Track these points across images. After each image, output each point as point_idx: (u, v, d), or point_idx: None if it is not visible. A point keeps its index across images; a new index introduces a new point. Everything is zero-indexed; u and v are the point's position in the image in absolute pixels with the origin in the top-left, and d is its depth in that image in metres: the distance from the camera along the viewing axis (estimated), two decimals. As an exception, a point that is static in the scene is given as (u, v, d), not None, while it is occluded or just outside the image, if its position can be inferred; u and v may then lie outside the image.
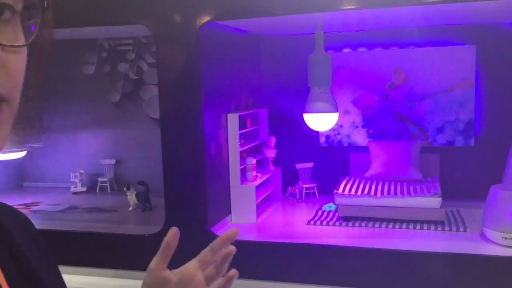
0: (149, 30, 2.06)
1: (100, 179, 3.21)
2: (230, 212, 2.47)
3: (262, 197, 2.59)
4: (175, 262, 2.05)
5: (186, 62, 2.05)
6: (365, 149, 2.85)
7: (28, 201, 2.99)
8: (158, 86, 2.11)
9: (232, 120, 2.41)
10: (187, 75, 2.05)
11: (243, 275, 2.05)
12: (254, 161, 2.53)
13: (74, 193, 3.15)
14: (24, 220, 0.75)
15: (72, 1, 2.14)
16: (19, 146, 2.90)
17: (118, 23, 2.20)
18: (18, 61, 0.51)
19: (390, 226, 2.30)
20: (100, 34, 2.99)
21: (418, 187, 2.51)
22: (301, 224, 2.43)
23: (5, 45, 0.47)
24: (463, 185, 2.66)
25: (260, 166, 2.78)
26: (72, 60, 3.17)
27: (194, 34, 1.99)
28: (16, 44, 0.50)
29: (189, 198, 2.10)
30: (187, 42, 2.02)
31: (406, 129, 2.81)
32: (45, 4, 0.52)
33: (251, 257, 1.96)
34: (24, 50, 0.52)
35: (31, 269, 0.66)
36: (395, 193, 2.43)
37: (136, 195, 2.72)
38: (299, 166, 2.89)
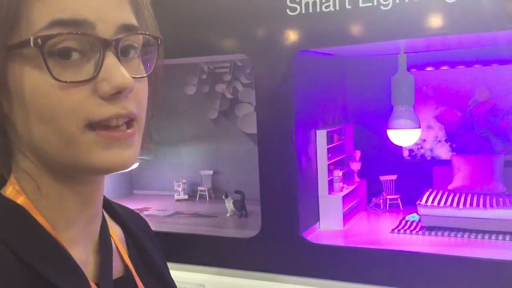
0: (249, 58, 2.37)
1: (199, 188, 3.57)
2: (318, 220, 2.70)
3: (348, 207, 2.80)
4: (271, 262, 2.37)
5: (280, 85, 2.33)
6: (448, 162, 2.96)
7: (139, 206, 3.40)
8: (256, 105, 2.40)
9: (321, 136, 2.65)
10: (281, 96, 2.32)
11: (331, 277, 2.29)
12: (340, 173, 2.75)
13: (177, 200, 3.53)
14: (141, 220, 0.83)
15: (178, 36, 2.49)
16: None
17: (221, 53, 2.54)
18: (143, 89, 0.61)
19: (473, 236, 2.42)
20: (200, 60, 3.36)
21: (501, 199, 2.59)
22: (385, 232, 2.61)
23: (135, 77, 0.56)
24: (549, 198, 2.69)
25: (346, 178, 2.99)
26: (176, 82, 3.59)
27: (288, 61, 2.26)
28: (141, 76, 0.60)
29: (282, 206, 2.36)
30: (281, 68, 2.29)
31: (490, 144, 2.89)
32: (159, 42, 0.62)
33: (339, 261, 2.18)
34: (146, 79, 0.61)
35: (155, 264, 0.73)
36: (478, 204, 2.53)
37: (233, 203, 3.03)
38: (383, 178, 3.06)
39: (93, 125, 0.51)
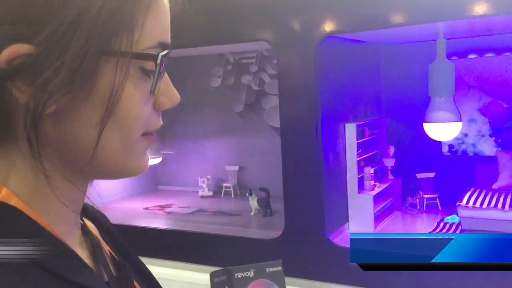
0: (271, 46, 2.19)
1: (224, 184, 3.43)
2: (347, 221, 2.50)
3: (380, 207, 2.58)
4: (294, 266, 2.16)
5: (305, 74, 2.14)
6: (492, 159, 2.70)
7: (162, 203, 3.29)
8: (279, 97, 2.23)
9: (350, 130, 2.45)
10: (306, 87, 2.14)
11: (358, 284, 2.09)
12: (371, 170, 2.54)
13: (202, 196, 3.40)
14: (100, 212, 0.82)
15: (200, 23, 2.35)
16: (155, 153, 3.23)
17: (243, 41, 2.37)
18: None
19: (520, 242, 2.16)
20: (226, 49, 3.21)
21: (553, 201, 2.33)
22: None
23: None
24: None
25: (379, 175, 2.77)
26: (200, 74, 3.45)
27: (313, 48, 2.07)
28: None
29: (307, 205, 2.18)
30: (306, 55, 2.11)
31: (541, 139, 2.61)
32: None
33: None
34: None
35: (132, 256, 0.73)
36: (526, 207, 2.28)
37: (258, 201, 2.87)
38: (420, 175, 2.83)
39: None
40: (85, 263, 0.57)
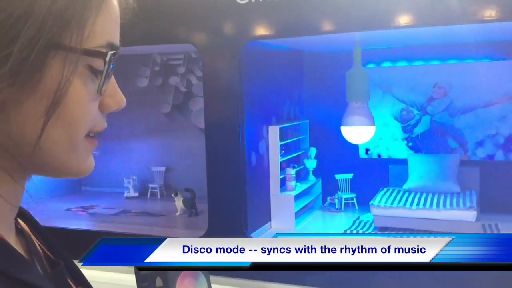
0: (196, 48, 2.23)
1: (151, 185, 3.41)
2: (270, 220, 2.59)
3: (301, 206, 2.69)
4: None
5: (229, 77, 2.20)
6: (404, 161, 2.90)
7: (85, 204, 3.22)
8: (204, 99, 2.27)
9: (273, 132, 2.54)
10: (230, 90, 2.20)
11: (277, 280, 2.14)
12: (293, 171, 2.65)
13: (127, 198, 3.37)
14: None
15: (129, 22, 2.34)
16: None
17: (170, 42, 2.39)
18: None
19: (426, 238, 2.35)
20: (153, 50, 3.20)
21: (455, 200, 2.54)
22: (338, 233, 2.52)
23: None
24: (503, 198, 2.65)
25: (301, 176, 2.89)
26: (127, 74, 3.42)
27: (238, 51, 2.13)
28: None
29: (230, 205, 2.24)
30: (231, 58, 2.17)
31: (446, 143, 2.84)
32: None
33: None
34: None
35: (59, 250, 0.71)
36: (431, 205, 2.47)
37: (183, 201, 2.89)
38: (339, 177, 2.98)
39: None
40: (30, 261, 0.56)
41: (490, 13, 1.73)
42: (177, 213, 2.91)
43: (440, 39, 2.58)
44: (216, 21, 2.18)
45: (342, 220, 2.76)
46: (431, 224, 2.36)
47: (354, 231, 2.49)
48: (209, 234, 2.25)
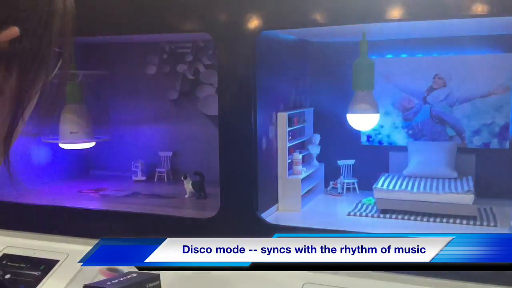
0: (212, 38, 2.34)
1: (158, 170, 3.52)
2: (277, 202, 2.72)
3: (307, 190, 2.83)
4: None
5: (243, 66, 2.31)
6: (404, 148, 3.04)
7: (95, 186, 3.33)
8: (218, 86, 2.38)
9: (282, 118, 2.66)
10: (243, 78, 2.31)
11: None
12: (300, 156, 2.78)
13: (135, 181, 3.48)
14: None
15: (140, 11, 2.44)
16: (89, 138, 3.26)
17: (184, 31, 2.49)
18: None
19: (425, 219, 2.50)
20: (162, 38, 3.30)
21: (453, 184, 2.69)
22: (342, 215, 2.66)
23: None
24: (498, 184, 2.81)
25: (305, 161, 3.02)
26: (136, 61, 3.51)
27: (252, 42, 2.25)
28: None
29: (241, 187, 2.36)
30: (244, 48, 2.28)
31: (444, 131, 2.99)
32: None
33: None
34: None
35: None
36: (431, 189, 2.62)
37: (192, 184, 3.00)
38: (341, 162, 3.11)
39: None
40: None
41: (486, 8, 1.86)
42: (186, 196, 3.03)
43: (441, 32, 2.71)
44: (232, 10, 2.29)
45: (344, 204, 2.90)
46: (431, 206, 2.51)
47: (358, 214, 2.63)
48: (221, 213, 2.38)
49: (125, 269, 1.80)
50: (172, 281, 1.91)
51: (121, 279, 1.55)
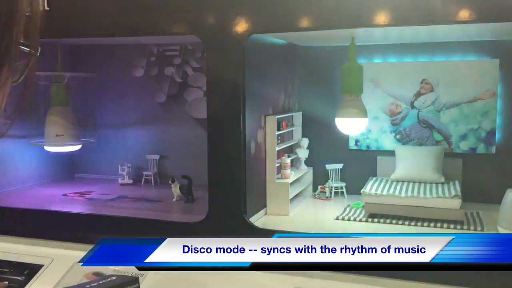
0: (201, 40, 2.32)
1: (145, 173, 3.49)
2: (266, 206, 2.71)
3: (295, 194, 2.82)
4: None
5: (231, 70, 2.30)
6: (391, 153, 3.05)
7: (80, 190, 3.28)
8: (207, 89, 2.37)
9: (270, 122, 2.65)
10: (232, 81, 2.30)
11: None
12: (289, 159, 2.77)
13: (122, 184, 3.44)
14: None
15: (129, 13, 2.42)
16: (75, 140, 3.22)
17: (173, 34, 2.47)
18: None
19: (413, 223, 2.51)
20: (149, 41, 3.27)
21: (440, 189, 2.70)
22: (330, 219, 2.65)
23: None
24: (484, 189, 2.83)
25: (293, 165, 3.01)
26: (123, 64, 3.48)
27: (241, 45, 2.24)
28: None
29: (230, 190, 2.35)
30: (233, 51, 2.27)
31: (431, 136, 3.00)
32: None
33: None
34: None
35: None
36: (419, 193, 2.63)
37: (180, 188, 2.98)
38: (329, 166, 3.11)
39: None
40: None
41: (473, 14, 1.87)
42: (174, 199, 3.00)
43: (428, 38, 2.73)
44: (221, 14, 2.28)
45: (332, 208, 2.90)
46: (418, 211, 2.52)
47: (346, 218, 2.62)
48: (209, 217, 2.36)
49: (121, 270, 1.78)
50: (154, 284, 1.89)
51: (100, 282, 1.52)
